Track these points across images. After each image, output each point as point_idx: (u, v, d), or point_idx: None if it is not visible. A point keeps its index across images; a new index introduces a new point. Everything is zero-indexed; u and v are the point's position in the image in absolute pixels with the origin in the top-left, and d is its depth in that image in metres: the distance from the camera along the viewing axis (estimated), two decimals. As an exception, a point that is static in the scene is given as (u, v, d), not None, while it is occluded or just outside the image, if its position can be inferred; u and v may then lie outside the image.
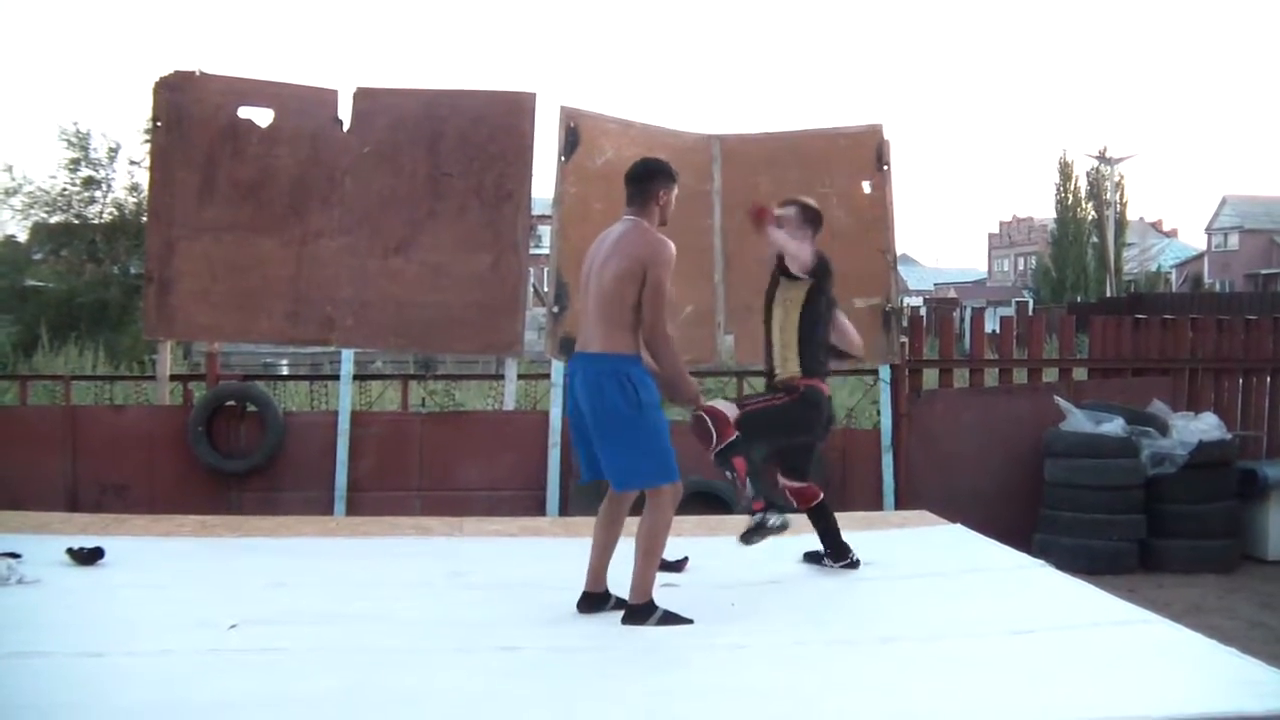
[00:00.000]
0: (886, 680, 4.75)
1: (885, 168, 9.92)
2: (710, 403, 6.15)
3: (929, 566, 6.84)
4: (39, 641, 5.13)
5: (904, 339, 10.08)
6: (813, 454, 6.76)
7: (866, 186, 9.93)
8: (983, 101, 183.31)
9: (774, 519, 6.01)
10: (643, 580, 5.54)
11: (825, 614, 5.84)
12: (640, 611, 5.51)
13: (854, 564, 6.73)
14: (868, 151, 9.95)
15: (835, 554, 6.74)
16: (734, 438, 5.95)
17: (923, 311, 26.01)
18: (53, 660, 4.88)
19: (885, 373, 10.05)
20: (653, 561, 5.56)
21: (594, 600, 5.76)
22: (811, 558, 6.83)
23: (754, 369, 10.56)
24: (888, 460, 9.94)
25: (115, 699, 4.44)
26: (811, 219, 6.53)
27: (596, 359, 5.57)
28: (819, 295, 6.39)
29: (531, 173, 9.66)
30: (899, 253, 10.27)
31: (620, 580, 5.67)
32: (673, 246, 5.57)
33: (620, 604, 5.66)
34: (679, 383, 5.68)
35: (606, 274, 5.56)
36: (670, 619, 5.49)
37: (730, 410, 6.12)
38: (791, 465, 6.62)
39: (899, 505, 9.67)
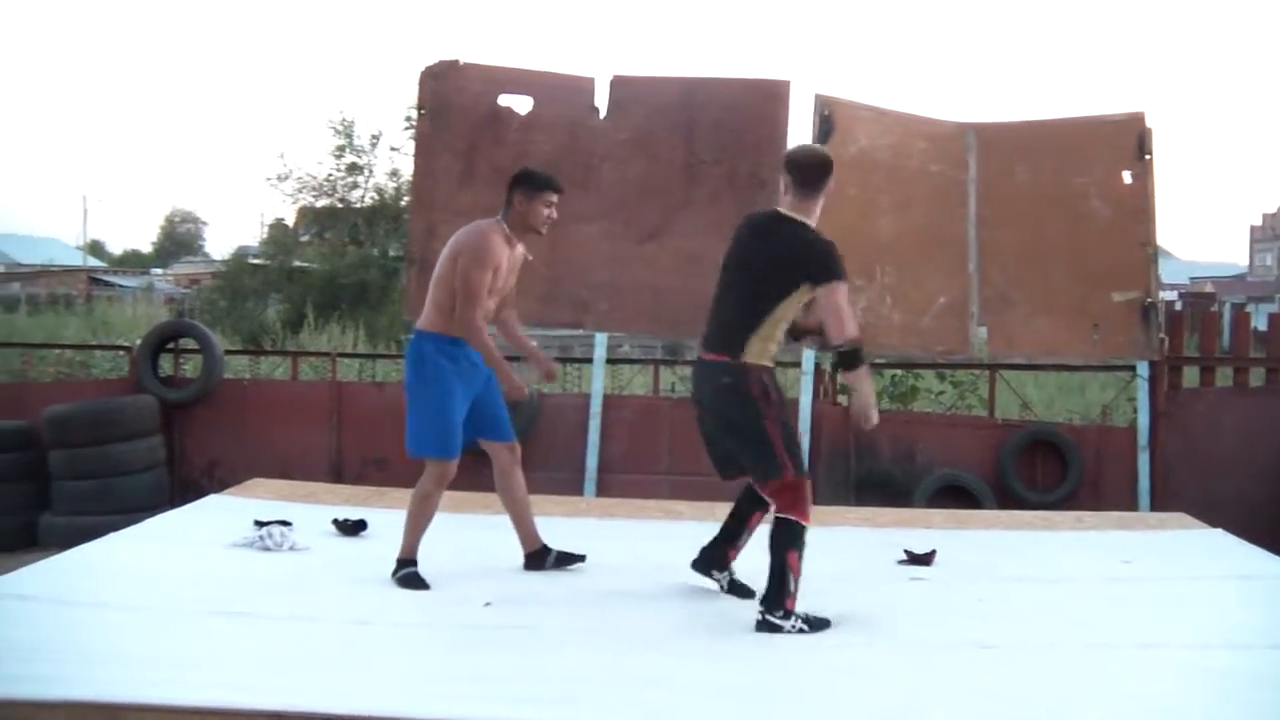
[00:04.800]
0: (1146, 689, 4.56)
1: (1147, 157, 9.60)
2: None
3: (1189, 571, 6.57)
4: (311, 606, 5.42)
5: (1163, 335, 9.73)
6: None
7: (1127, 176, 9.63)
8: (1249, 86, 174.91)
9: None
10: (406, 540, 6.00)
11: (1079, 614, 5.66)
12: (401, 563, 5.96)
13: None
14: (1128, 140, 9.63)
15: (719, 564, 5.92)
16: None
17: (1178, 306, 24.96)
18: (324, 625, 5.17)
19: (1144, 369, 9.71)
20: (415, 525, 6.02)
21: (533, 559, 6.29)
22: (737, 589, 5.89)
23: (1008, 363, 10.38)
24: (1144, 460, 9.61)
25: (382, 666, 4.66)
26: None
27: (414, 335, 6.09)
28: None
29: (786, 161, 9.63)
30: (1155, 245, 9.91)
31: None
32: (493, 242, 5.99)
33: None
34: (492, 365, 6.06)
35: (441, 259, 6.03)
36: (411, 582, 5.84)
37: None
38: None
39: (1154, 506, 9.34)
